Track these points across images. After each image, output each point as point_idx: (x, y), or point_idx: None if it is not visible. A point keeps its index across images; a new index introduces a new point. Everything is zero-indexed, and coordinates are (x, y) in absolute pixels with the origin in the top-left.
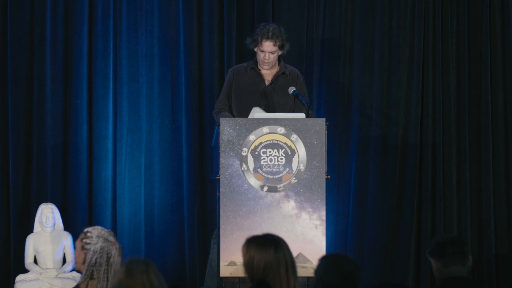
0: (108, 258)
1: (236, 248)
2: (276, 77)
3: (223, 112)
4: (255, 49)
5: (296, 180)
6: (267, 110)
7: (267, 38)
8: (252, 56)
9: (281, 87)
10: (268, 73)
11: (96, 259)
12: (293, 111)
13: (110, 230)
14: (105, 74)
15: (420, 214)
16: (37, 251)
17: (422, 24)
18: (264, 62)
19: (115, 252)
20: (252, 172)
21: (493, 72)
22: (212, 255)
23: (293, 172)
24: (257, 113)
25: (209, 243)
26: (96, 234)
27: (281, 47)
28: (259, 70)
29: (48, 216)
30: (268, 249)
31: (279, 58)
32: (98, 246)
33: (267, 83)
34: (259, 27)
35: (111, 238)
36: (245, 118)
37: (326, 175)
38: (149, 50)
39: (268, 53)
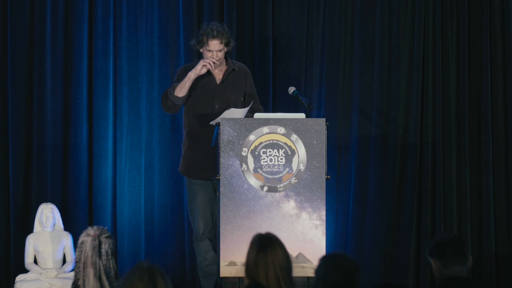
0: (85, 252)
1: (236, 248)
2: (227, 75)
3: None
4: (201, 50)
5: (296, 180)
6: (222, 107)
7: (213, 37)
8: (252, 55)
9: (232, 84)
10: (218, 71)
11: (77, 255)
12: (244, 106)
13: (104, 227)
14: (105, 74)
15: (420, 214)
16: (37, 251)
17: (422, 24)
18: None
19: (89, 244)
20: (252, 172)
21: (493, 72)
22: (198, 258)
23: (293, 172)
24: (231, 113)
25: None
26: (85, 231)
27: (227, 44)
28: (209, 69)
29: (48, 216)
30: (262, 249)
31: (226, 55)
32: (80, 241)
33: (218, 81)
34: (202, 27)
35: (91, 232)
36: (245, 118)
37: (326, 175)
38: (149, 50)
39: (215, 52)
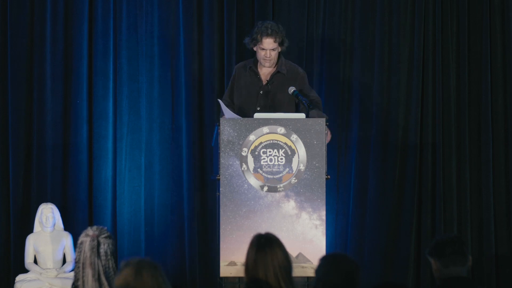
0: (84, 252)
1: (236, 248)
2: (272, 76)
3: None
4: (255, 48)
5: (296, 180)
6: (267, 109)
7: (267, 35)
8: (252, 56)
9: (278, 86)
10: (265, 72)
11: (77, 255)
12: (294, 109)
13: (103, 227)
14: (105, 74)
15: (420, 214)
16: (37, 251)
17: (422, 24)
18: (266, 59)
19: (88, 245)
20: (252, 172)
21: (493, 72)
22: None
23: (293, 172)
24: (223, 106)
25: (209, 243)
26: (84, 231)
27: (281, 44)
28: (257, 69)
29: (48, 216)
30: (262, 249)
31: (279, 55)
32: (79, 242)
33: (264, 82)
34: (257, 25)
35: (90, 232)
36: (245, 118)
37: (326, 175)
38: (149, 50)
39: (269, 50)
